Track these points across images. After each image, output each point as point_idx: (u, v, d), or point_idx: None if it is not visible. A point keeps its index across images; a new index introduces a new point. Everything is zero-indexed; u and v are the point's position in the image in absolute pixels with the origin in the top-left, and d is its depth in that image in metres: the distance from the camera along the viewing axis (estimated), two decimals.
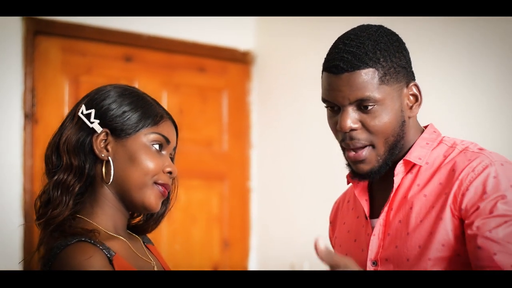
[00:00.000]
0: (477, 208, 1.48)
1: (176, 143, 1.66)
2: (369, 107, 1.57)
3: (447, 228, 1.51)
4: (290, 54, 3.87)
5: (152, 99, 1.64)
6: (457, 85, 2.97)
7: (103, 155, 1.55)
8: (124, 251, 1.55)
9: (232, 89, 4.04)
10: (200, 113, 3.92)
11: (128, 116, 1.56)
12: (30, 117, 3.34)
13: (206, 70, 3.97)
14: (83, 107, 1.57)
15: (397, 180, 1.61)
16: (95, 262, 1.44)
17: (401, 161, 1.61)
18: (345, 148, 1.64)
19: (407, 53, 1.63)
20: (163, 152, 1.60)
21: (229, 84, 4.04)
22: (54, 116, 3.39)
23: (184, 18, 3.78)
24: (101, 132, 1.55)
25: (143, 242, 1.68)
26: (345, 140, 1.61)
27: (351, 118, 1.59)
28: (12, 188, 3.26)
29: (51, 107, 3.39)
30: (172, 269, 1.71)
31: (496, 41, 2.88)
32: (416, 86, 1.62)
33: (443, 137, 1.65)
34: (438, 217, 1.52)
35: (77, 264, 1.43)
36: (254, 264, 4.00)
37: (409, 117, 1.62)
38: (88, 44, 3.59)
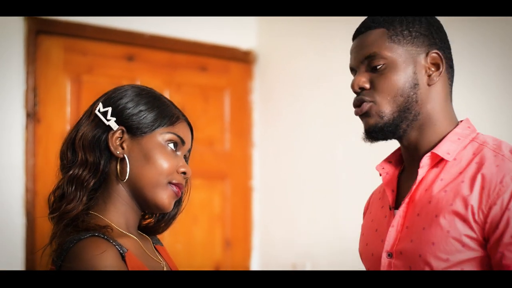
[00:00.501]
0: (499, 223, 1.47)
1: (191, 145, 1.67)
2: (379, 66, 1.60)
3: (464, 230, 1.49)
4: (292, 53, 3.87)
5: (169, 100, 1.66)
6: (456, 85, 2.97)
7: (118, 152, 1.56)
8: (135, 249, 1.56)
9: (234, 88, 4.04)
10: (202, 112, 3.92)
11: (144, 115, 1.58)
12: (32, 116, 3.34)
13: (208, 69, 3.97)
14: (100, 105, 1.59)
15: (421, 172, 1.60)
16: (108, 257, 1.45)
17: (429, 154, 1.60)
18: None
19: (440, 31, 1.65)
20: (178, 153, 1.62)
21: (231, 83, 4.04)
22: (56, 115, 3.39)
23: (186, 18, 3.77)
24: (117, 130, 1.57)
25: (152, 243, 1.69)
26: (355, 99, 1.64)
27: (362, 77, 1.62)
28: (14, 187, 3.26)
29: (53, 106, 3.39)
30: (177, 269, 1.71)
31: (496, 42, 2.87)
32: (438, 54, 1.62)
33: (477, 134, 1.63)
34: (458, 216, 1.50)
35: (90, 258, 1.44)
36: (256, 263, 4.00)
37: (428, 85, 1.62)
38: (90, 43, 3.59)
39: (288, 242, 3.83)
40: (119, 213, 1.58)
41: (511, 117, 2.84)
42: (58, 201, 1.56)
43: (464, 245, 1.49)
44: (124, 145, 1.57)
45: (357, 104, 1.63)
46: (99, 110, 1.59)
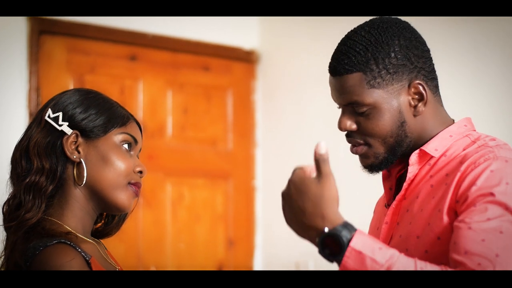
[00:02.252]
0: (465, 199, 1.44)
1: (141, 144, 1.66)
2: (363, 111, 1.58)
3: (444, 220, 1.49)
4: (295, 53, 3.87)
5: (116, 102, 1.64)
6: (458, 86, 2.97)
7: (74, 156, 1.55)
8: (96, 254, 1.55)
9: (236, 88, 4.04)
10: (204, 112, 3.93)
11: (96, 118, 1.57)
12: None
13: (211, 69, 3.97)
14: (49, 111, 1.58)
15: (411, 169, 1.59)
16: (76, 265, 1.43)
17: (417, 151, 1.59)
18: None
19: (416, 48, 1.59)
20: (132, 152, 1.60)
21: (233, 83, 4.04)
22: None
23: (188, 17, 3.78)
24: (71, 134, 1.56)
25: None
26: (346, 136, 1.64)
27: (347, 120, 1.61)
28: None
29: None
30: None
31: (498, 42, 2.87)
32: (420, 84, 1.58)
33: (473, 131, 1.62)
34: (436, 208, 1.50)
35: (59, 266, 1.42)
36: (259, 263, 4.00)
37: (414, 116, 1.59)
38: (93, 43, 3.60)
39: (291, 241, 3.82)
40: (76, 218, 1.56)
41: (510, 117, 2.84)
42: (15, 210, 1.53)
43: (440, 237, 1.48)
44: (80, 149, 1.56)
45: (352, 143, 1.64)
46: (49, 116, 1.58)
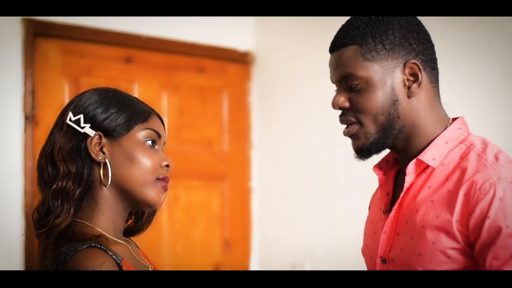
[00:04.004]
0: (480, 234, 1.45)
1: (166, 138, 1.66)
2: (356, 86, 1.57)
3: (453, 242, 1.48)
4: (290, 54, 3.88)
5: (135, 98, 1.65)
6: (456, 85, 2.97)
7: (100, 158, 1.55)
8: (127, 255, 1.56)
9: (232, 90, 4.05)
10: (200, 113, 3.93)
11: (118, 116, 1.57)
12: (31, 119, 3.34)
13: (206, 70, 3.97)
14: (70, 114, 1.58)
15: (408, 179, 1.58)
16: (107, 268, 1.44)
17: (414, 160, 1.58)
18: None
19: (417, 33, 1.58)
20: (156, 147, 1.60)
21: (229, 85, 4.04)
22: (54, 118, 3.35)
23: (183, 19, 3.78)
24: (95, 135, 1.55)
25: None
26: (340, 117, 1.63)
27: (341, 97, 1.61)
28: (12, 190, 3.26)
29: (51, 109, 3.39)
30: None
31: (496, 41, 2.87)
32: (415, 64, 1.57)
33: (468, 135, 1.60)
34: (443, 229, 1.49)
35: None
36: (255, 264, 4.00)
37: (408, 97, 1.58)
38: (88, 46, 3.60)
39: (287, 242, 3.83)
40: (107, 219, 1.56)
41: (510, 116, 2.85)
42: (44, 216, 1.53)
43: (449, 257, 1.48)
44: (105, 149, 1.56)
45: (344, 123, 1.63)
46: (70, 119, 1.58)
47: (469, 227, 1.46)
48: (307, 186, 3.74)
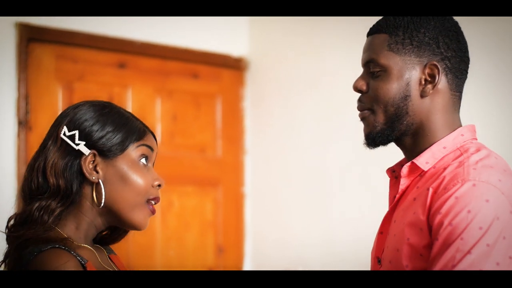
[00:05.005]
0: (432, 225, 1.47)
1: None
2: (376, 73, 1.61)
3: (422, 237, 1.50)
4: (284, 60, 3.88)
5: (130, 113, 1.63)
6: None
7: (93, 177, 1.53)
8: (93, 260, 1.54)
9: (225, 95, 4.05)
10: (193, 119, 3.93)
11: (114, 136, 1.55)
12: (24, 124, 3.33)
13: (200, 76, 3.97)
14: (65, 128, 1.56)
15: (403, 181, 1.60)
16: (71, 267, 1.43)
17: (409, 163, 1.60)
18: None
19: (450, 39, 1.60)
20: (149, 165, 1.59)
21: (222, 90, 4.04)
22: (48, 123, 3.34)
23: (177, 25, 3.78)
24: (89, 154, 1.54)
25: (106, 253, 1.67)
26: (358, 101, 1.66)
27: (361, 80, 1.64)
28: (5, 195, 3.25)
29: (44, 114, 3.39)
30: None
31: (494, 41, 2.88)
32: (436, 66, 1.59)
33: (468, 141, 1.60)
34: (417, 225, 1.51)
35: (54, 269, 1.42)
36: (248, 269, 4.00)
37: (421, 96, 1.60)
38: (82, 51, 3.59)
39: (281, 247, 3.83)
40: (79, 230, 1.55)
41: (505, 119, 2.85)
42: (21, 224, 1.53)
43: (422, 254, 1.49)
44: (98, 168, 1.54)
45: (359, 108, 1.66)
46: (64, 134, 1.55)
47: (428, 222, 1.49)
48: (300, 191, 3.74)
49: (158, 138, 3.77)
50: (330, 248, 3.52)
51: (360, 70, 1.68)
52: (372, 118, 1.62)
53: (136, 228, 1.58)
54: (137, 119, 1.62)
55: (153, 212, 1.59)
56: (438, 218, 1.46)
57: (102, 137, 1.54)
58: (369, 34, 1.66)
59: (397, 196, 1.61)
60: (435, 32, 1.59)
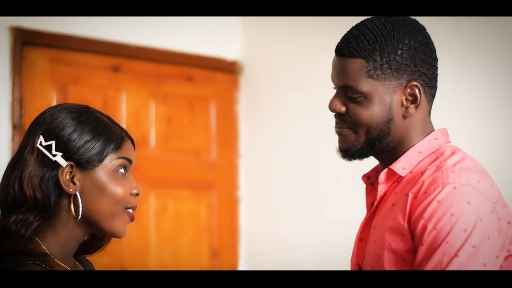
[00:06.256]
0: (415, 232, 1.47)
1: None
2: (355, 98, 1.58)
3: (404, 242, 1.50)
4: (278, 64, 3.89)
5: (108, 118, 1.58)
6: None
7: (71, 190, 1.50)
8: None
9: (220, 99, 4.05)
10: (188, 122, 3.93)
11: (91, 146, 1.51)
12: (18, 127, 3.33)
13: (194, 80, 3.97)
14: (41, 138, 1.51)
15: (381, 188, 1.61)
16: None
17: (386, 170, 1.60)
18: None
19: (424, 53, 1.59)
20: (126, 174, 1.56)
21: (216, 94, 4.05)
22: None
23: (171, 29, 3.79)
24: (66, 166, 1.50)
25: (84, 268, 1.64)
26: (335, 117, 1.64)
27: (339, 102, 1.61)
28: None
29: None
30: None
31: (492, 41, 2.88)
32: (416, 86, 1.58)
33: (443, 145, 1.61)
34: (397, 231, 1.51)
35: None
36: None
37: (404, 117, 1.59)
38: (76, 55, 3.59)
39: (275, 250, 3.84)
40: (58, 244, 1.51)
41: (498, 122, 2.86)
42: None
43: (404, 259, 1.50)
44: (75, 179, 1.50)
45: (339, 126, 1.64)
46: (41, 144, 1.51)
47: (410, 228, 1.49)
48: (294, 194, 3.75)
49: (153, 142, 3.78)
50: (324, 251, 3.53)
51: None
52: (353, 137, 1.61)
53: (116, 236, 1.56)
54: (115, 124, 1.58)
55: (132, 219, 1.56)
56: (421, 223, 1.46)
57: (79, 148, 1.50)
58: (340, 54, 1.60)
59: (375, 202, 1.61)
60: (411, 51, 1.57)
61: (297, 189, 3.73)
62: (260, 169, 3.98)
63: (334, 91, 1.65)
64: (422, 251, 1.45)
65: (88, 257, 1.70)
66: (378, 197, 1.61)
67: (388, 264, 1.51)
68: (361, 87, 1.57)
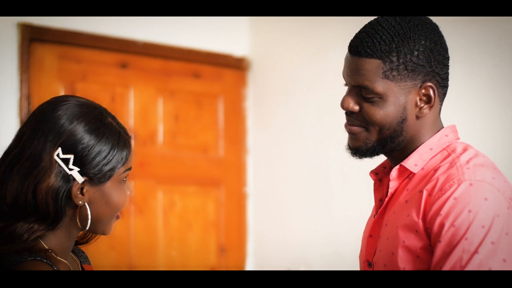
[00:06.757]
0: (432, 229, 1.48)
1: None
2: (370, 98, 1.57)
3: (419, 240, 1.50)
4: (285, 60, 3.88)
5: (115, 120, 1.57)
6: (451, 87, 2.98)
7: (80, 202, 1.50)
8: None
9: (227, 95, 4.05)
10: (195, 119, 3.93)
11: (107, 163, 1.51)
12: None
13: (202, 76, 3.97)
14: (59, 150, 1.49)
15: (392, 184, 1.61)
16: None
17: (397, 166, 1.60)
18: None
19: (439, 54, 1.59)
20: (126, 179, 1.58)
21: (224, 90, 4.05)
22: None
23: (179, 25, 3.79)
24: (82, 182, 1.50)
25: (80, 262, 1.65)
26: (346, 115, 1.63)
27: (352, 100, 1.60)
28: None
29: None
30: None
31: (490, 44, 2.88)
32: (431, 87, 1.58)
33: (453, 141, 1.62)
34: (412, 228, 1.51)
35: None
36: (250, 269, 4.00)
37: (417, 117, 1.60)
38: (84, 51, 3.60)
39: (283, 247, 3.83)
40: (57, 240, 1.52)
41: (504, 120, 2.85)
42: (2, 237, 1.47)
43: (418, 256, 1.50)
44: (84, 191, 1.50)
45: (350, 124, 1.63)
46: (58, 155, 1.49)
47: (426, 226, 1.49)
48: (302, 191, 3.74)
49: (160, 138, 3.78)
50: (332, 247, 3.52)
51: None
52: (365, 135, 1.61)
53: (105, 234, 1.58)
54: (121, 127, 1.57)
55: (118, 217, 1.58)
56: (438, 220, 1.46)
57: (95, 166, 1.50)
58: (355, 53, 1.59)
59: (386, 199, 1.61)
60: (427, 52, 1.57)
61: (305, 185, 3.73)
62: (268, 165, 3.97)
63: (344, 88, 1.65)
64: (440, 248, 1.46)
65: (95, 252, 1.70)
66: (389, 193, 1.61)
67: (402, 262, 1.51)
68: (377, 87, 1.57)
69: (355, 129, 1.61)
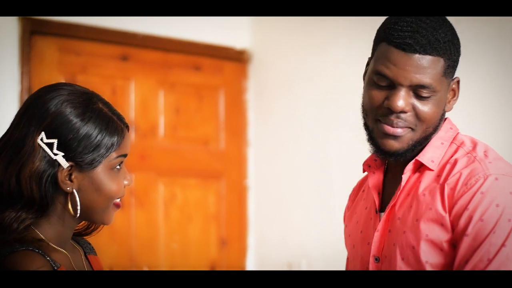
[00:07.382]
0: (459, 221, 1.49)
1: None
2: (425, 95, 1.54)
3: (445, 233, 1.51)
4: (286, 52, 3.88)
5: (108, 106, 1.54)
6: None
7: (68, 188, 1.47)
8: (66, 265, 1.49)
9: (228, 88, 4.05)
10: (196, 111, 3.93)
11: (93, 148, 1.47)
12: None
13: (202, 68, 3.97)
14: (42, 135, 1.46)
15: (405, 177, 1.59)
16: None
17: (413, 161, 1.59)
18: (380, 121, 1.58)
19: (460, 50, 1.61)
20: (120, 166, 1.54)
21: (225, 83, 4.04)
22: None
23: (179, 17, 3.78)
24: (67, 167, 1.46)
25: (85, 253, 1.62)
26: (389, 116, 1.56)
27: (405, 100, 1.54)
28: None
29: None
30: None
31: (489, 41, 2.88)
32: (458, 82, 1.61)
33: (457, 134, 1.62)
34: (437, 221, 1.52)
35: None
36: (251, 262, 4.01)
37: (445, 111, 1.61)
38: (84, 44, 3.60)
39: (284, 240, 3.84)
40: (53, 230, 1.50)
41: (504, 117, 2.85)
42: None
43: (442, 249, 1.51)
44: (73, 177, 1.47)
45: (399, 125, 1.57)
46: (42, 140, 1.46)
47: (451, 219, 1.50)
48: (303, 184, 3.74)
49: (161, 131, 3.78)
50: (333, 240, 3.52)
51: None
52: (410, 136, 1.57)
53: (105, 224, 1.55)
54: (115, 113, 1.54)
55: (118, 207, 1.55)
56: (466, 215, 1.48)
57: (81, 151, 1.47)
58: (413, 50, 1.52)
59: (398, 192, 1.59)
60: (460, 49, 1.60)
61: (305, 178, 3.73)
62: (269, 158, 3.97)
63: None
64: (466, 242, 1.47)
65: (97, 244, 1.70)
66: (401, 186, 1.59)
67: (425, 255, 1.52)
68: (438, 86, 1.55)
69: (401, 131, 1.57)
